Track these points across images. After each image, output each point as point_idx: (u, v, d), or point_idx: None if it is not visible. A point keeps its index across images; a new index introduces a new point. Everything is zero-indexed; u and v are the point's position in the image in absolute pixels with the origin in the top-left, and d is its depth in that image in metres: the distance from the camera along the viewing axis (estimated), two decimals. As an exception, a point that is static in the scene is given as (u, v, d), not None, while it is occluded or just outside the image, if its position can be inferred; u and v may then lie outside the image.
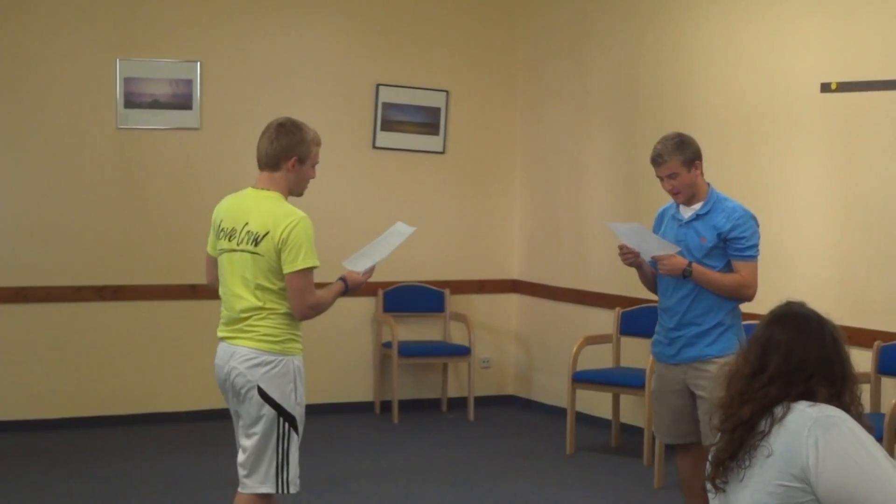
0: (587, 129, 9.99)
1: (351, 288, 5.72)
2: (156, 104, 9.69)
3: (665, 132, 8.98)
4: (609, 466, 8.66)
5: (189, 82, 9.75)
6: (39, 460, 8.63)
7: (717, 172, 8.59)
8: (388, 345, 10.14)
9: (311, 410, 5.84)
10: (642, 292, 9.03)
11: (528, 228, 10.71)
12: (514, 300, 10.88)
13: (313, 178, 5.68)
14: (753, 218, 6.28)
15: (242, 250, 5.51)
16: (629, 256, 6.38)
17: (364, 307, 10.26)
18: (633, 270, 6.54)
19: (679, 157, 6.22)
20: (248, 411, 5.51)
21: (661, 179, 6.30)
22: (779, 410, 3.55)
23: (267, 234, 5.43)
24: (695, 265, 6.18)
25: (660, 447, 8.03)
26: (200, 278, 9.80)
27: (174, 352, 9.83)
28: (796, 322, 3.65)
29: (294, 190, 5.61)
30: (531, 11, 10.61)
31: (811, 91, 7.95)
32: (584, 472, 8.47)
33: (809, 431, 3.47)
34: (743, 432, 3.59)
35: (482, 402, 10.45)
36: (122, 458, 8.70)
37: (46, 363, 9.51)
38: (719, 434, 3.70)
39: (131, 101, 9.62)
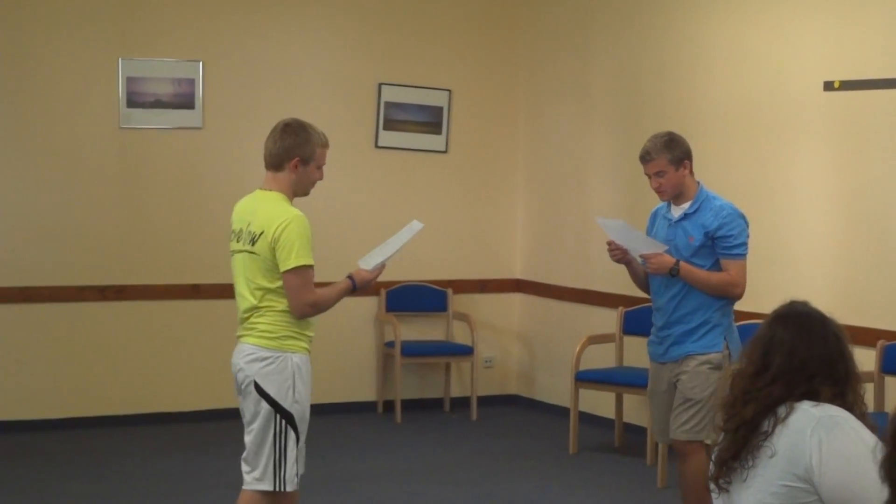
0: (590, 127, 9.98)
1: (359, 286, 5.73)
2: (158, 104, 9.69)
3: (667, 130, 9.03)
4: (612, 466, 8.65)
5: (191, 82, 9.74)
6: (42, 460, 8.63)
7: (720, 171, 8.60)
8: (390, 344, 10.14)
9: (314, 410, 5.83)
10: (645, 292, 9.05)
11: (530, 228, 10.70)
12: (516, 299, 10.87)
13: (320, 179, 5.69)
14: (742, 216, 6.29)
15: (244, 251, 5.59)
16: (617, 253, 6.41)
17: (367, 307, 10.26)
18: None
19: (667, 155, 6.24)
20: (247, 407, 5.57)
21: (649, 177, 6.32)
22: (782, 410, 3.55)
23: (262, 233, 5.49)
24: (682, 264, 6.20)
25: (663, 447, 8.02)
26: (203, 278, 9.92)
27: (177, 352, 9.83)
28: (799, 321, 3.64)
29: (298, 191, 5.64)
30: (534, 10, 10.61)
31: (814, 89, 7.93)
32: (588, 472, 8.46)
33: (813, 431, 3.46)
34: (746, 432, 3.58)
35: (485, 401, 10.44)
36: (124, 457, 8.70)
37: (49, 363, 9.51)
38: (722, 433, 3.70)
39: (134, 101, 9.62)
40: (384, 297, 10.29)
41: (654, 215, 6.55)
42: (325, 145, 5.66)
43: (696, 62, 8.93)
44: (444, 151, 10.57)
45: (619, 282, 9.33)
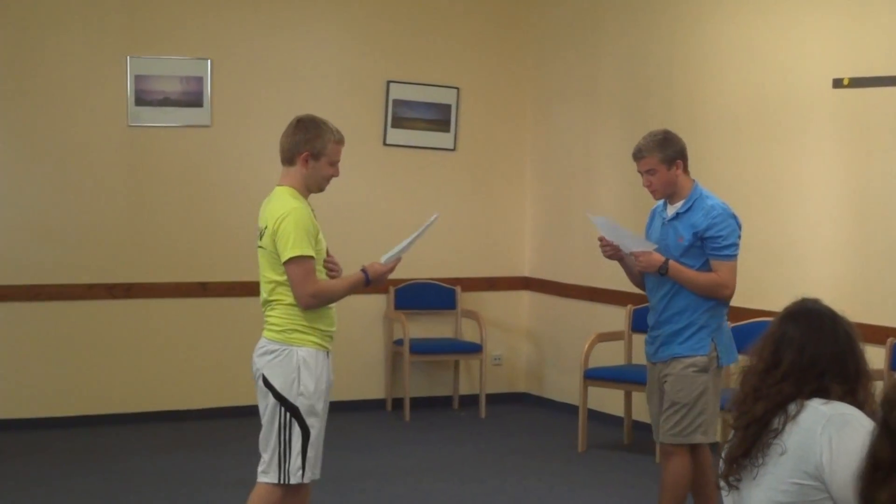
0: (598, 125, 9.97)
1: (372, 278, 5.75)
2: (167, 102, 9.69)
3: (676, 129, 8.98)
4: (621, 464, 8.64)
5: (200, 79, 9.74)
6: (50, 458, 8.63)
7: (728, 168, 8.60)
8: (399, 342, 10.13)
9: (323, 408, 5.84)
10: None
11: (539, 225, 10.69)
12: (525, 297, 10.86)
13: (335, 175, 5.74)
14: (733, 216, 6.22)
15: (259, 246, 5.71)
16: (608, 249, 6.39)
17: (375, 304, 10.26)
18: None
19: (658, 154, 6.20)
20: (259, 400, 5.66)
21: (641, 175, 6.29)
22: (792, 408, 3.55)
23: (266, 227, 5.60)
24: (671, 263, 6.16)
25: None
26: (211, 276, 9.93)
27: (185, 350, 9.83)
28: (809, 318, 3.64)
29: (311, 186, 5.70)
30: (542, 8, 10.60)
31: (823, 87, 7.92)
32: (596, 470, 8.45)
33: (823, 429, 3.46)
34: (756, 430, 3.58)
35: (494, 399, 10.44)
36: (132, 455, 8.70)
37: (58, 361, 9.52)
38: (733, 431, 3.69)
39: (142, 99, 9.62)
40: (393, 294, 10.29)
41: (653, 214, 6.52)
42: (339, 142, 5.70)
43: (704, 59, 8.91)
44: (453, 149, 10.56)
45: (628, 280, 9.35)
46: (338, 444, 8.81)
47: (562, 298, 10.40)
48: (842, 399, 3.55)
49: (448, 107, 10.49)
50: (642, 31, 9.51)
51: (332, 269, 5.73)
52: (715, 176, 8.74)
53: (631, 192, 9.58)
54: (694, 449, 6.30)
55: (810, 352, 3.59)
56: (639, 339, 9.19)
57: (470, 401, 10.49)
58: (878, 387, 3.78)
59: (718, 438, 6.42)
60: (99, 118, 9.56)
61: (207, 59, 9.75)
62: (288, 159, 5.68)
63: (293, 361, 5.55)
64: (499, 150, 10.74)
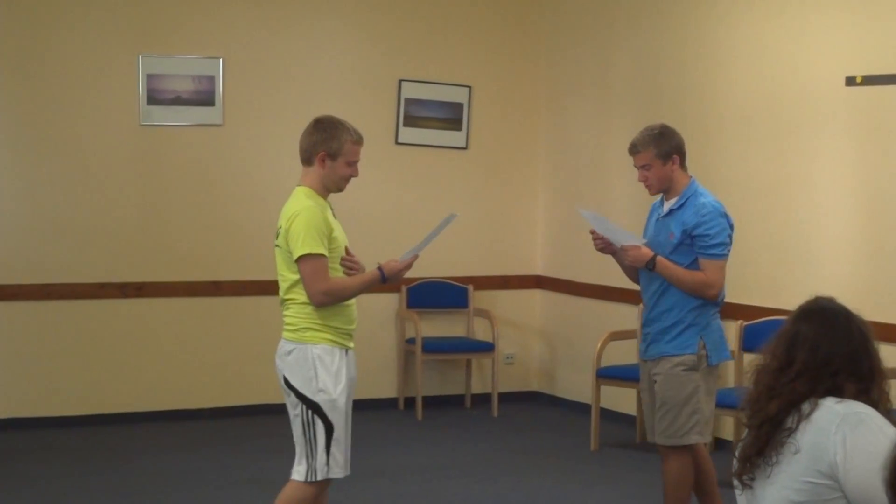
0: (610, 123, 9.96)
1: (388, 276, 5.79)
2: (178, 101, 9.69)
3: (688, 127, 8.98)
4: (633, 463, 8.63)
5: (211, 79, 9.75)
6: (62, 456, 8.64)
7: (741, 166, 8.59)
8: (411, 341, 10.13)
9: (335, 407, 5.84)
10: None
11: (551, 224, 10.68)
12: (537, 296, 10.86)
13: (353, 175, 5.78)
14: (724, 216, 6.17)
15: (275, 245, 5.74)
16: (599, 243, 6.36)
17: (388, 303, 10.26)
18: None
19: (654, 149, 6.18)
20: (285, 399, 5.72)
21: (637, 170, 6.26)
22: (806, 407, 3.53)
23: (281, 227, 5.66)
24: (659, 258, 6.14)
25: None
26: (223, 275, 9.95)
27: (197, 349, 9.84)
28: (824, 317, 3.62)
29: (329, 185, 5.75)
30: (553, 6, 10.59)
31: (836, 84, 7.89)
32: (609, 469, 8.44)
33: (837, 428, 3.45)
34: (770, 428, 3.57)
35: (506, 398, 10.43)
36: (144, 454, 8.71)
37: (69, 360, 9.53)
38: (746, 430, 3.68)
39: (154, 98, 9.62)
40: (405, 293, 10.29)
41: (652, 209, 6.50)
42: (357, 142, 5.74)
43: (716, 57, 8.89)
44: (465, 148, 10.56)
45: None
46: (350, 442, 8.82)
47: (574, 297, 10.39)
48: (856, 398, 3.54)
49: (460, 105, 10.48)
50: (654, 29, 9.50)
51: (351, 267, 5.75)
52: (727, 174, 8.73)
53: (644, 190, 9.55)
54: (691, 448, 6.28)
55: (824, 350, 3.58)
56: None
57: (482, 400, 10.48)
58: (893, 385, 3.77)
59: (710, 438, 6.37)
60: (110, 117, 9.56)
61: (219, 58, 9.76)
62: (306, 159, 5.73)
63: (308, 359, 5.59)
64: (511, 148, 10.74)
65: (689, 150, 9.00)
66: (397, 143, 10.32)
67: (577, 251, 10.35)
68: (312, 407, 5.57)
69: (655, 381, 6.25)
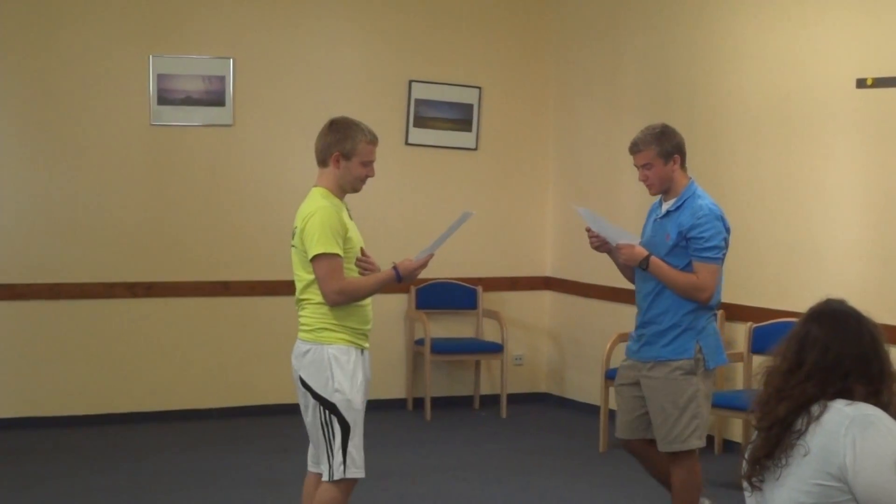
0: (619, 125, 9.94)
1: (403, 275, 5.82)
2: (189, 101, 9.70)
3: (698, 129, 8.99)
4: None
5: (222, 79, 9.76)
6: (71, 456, 8.65)
7: (750, 168, 8.58)
8: (420, 342, 10.13)
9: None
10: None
11: (560, 225, 10.68)
12: (546, 297, 10.85)
13: (369, 175, 5.81)
14: (720, 219, 6.12)
15: (291, 245, 5.77)
16: (595, 240, 6.34)
17: (397, 304, 10.26)
18: None
19: (655, 148, 6.13)
20: (301, 400, 5.73)
21: (638, 169, 6.23)
22: (815, 409, 3.53)
23: (296, 227, 5.68)
24: (652, 258, 6.11)
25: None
26: (233, 275, 9.97)
27: (207, 349, 9.85)
28: (834, 319, 3.62)
29: (345, 186, 5.78)
30: (563, 8, 10.59)
31: (846, 87, 7.88)
32: (617, 470, 8.43)
33: (847, 430, 3.45)
34: (779, 430, 3.57)
35: (515, 399, 10.43)
36: (153, 454, 8.72)
37: (78, 359, 9.55)
38: (755, 432, 3.68)
39: (164, 98, 9.63)
40: (414, 294, 10.29)
41: (651, 210, 6.47)
42: (372, 142, 5.76)
43: (726, 59, 8.89)
44: (475, 148, 10.56)
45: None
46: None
47: (583, 298, 10.38)
48: (865, 400, 3.54)
49: (470, 106, 10.48)
50: (664, 30, 9.49)
51: (366, 267, 5.76)
52: (736, 176, 8.73)
53: (653, 192, 9.57)
54: (694, 452, 6.29)
55: (834, 352, 3.57)
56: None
57: (491, 401, 10.48)
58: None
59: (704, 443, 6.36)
60: (121, 117, 9.58)
61: (230, 59, 9.77)
62: (322, 160, 5.76)
63: (324, 359, 5.61)
64: (521, 149, 10.74)
65: (698, 152, 9.02)
66: (407, 143, 10.33)
67: (587, 252, 10.22)
68: (329, 407, 5.59)
69: (646, 386, 6.20)
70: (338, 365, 5.60)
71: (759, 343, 8.33)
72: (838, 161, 8.01)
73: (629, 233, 6.33)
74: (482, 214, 10.47)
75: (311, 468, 5.86)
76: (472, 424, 9.96)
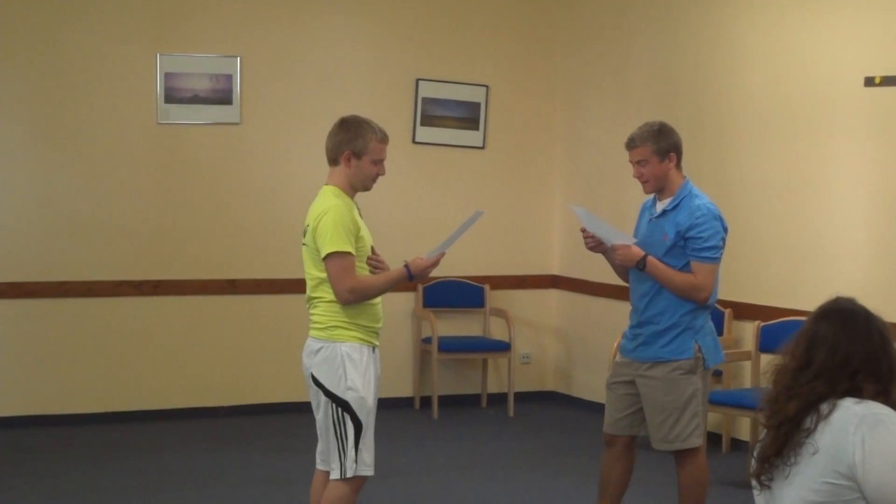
0: (627, 122, 9.85)
1: (415, 273, 5.82)
2: (196, 99, 9.71)
3: (705, 127, 8.99)
4: (650, 462, 8.59)
5: (229, 77, 9.76)
6: (78, 454, 8.66)
7: (758, 167, 8.57)
8: (427, 340, 10.13)
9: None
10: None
11: (568, 223, 10.66)
12: (554, 296, 10.85)
13: (380, 173, 5.82)
14: (718, 218, 6.08)
15: (303, 244, 5.76)
16: (590, 241, 6.29)
17: (404, 302, 10.25)
18: None
19: (652, 145, 6.09)
20: (312, 399, 5.72)
21: (633, 165, 6.20)
22: (825, 407, 3.53)
23: (309, 225, 5.67)
24: (649, 258, 6.07)
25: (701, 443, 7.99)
26: (240, 273, 9.97)
27: (213, 347, 9.85)
28: (843, 317, 3.62)
29: (356, 184, 5.78)
30: (570, 6, 10.58)
31: (854, 85, 7.86)
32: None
33: (856, 429, 3.44)
34: (788, 429, 3.56)
35: (522, 397, 10.43)
36: (161, 452, 8.72)
37: (86, 357, 9.55)
38: (764, 430, 3.67)
39: (172, 97, 9.64)
40: (421, 292, 10.29)
41: (643, 209, 6.42)
42: (382, 140, 5.77)
43: (733, 57, 8.88)
44: (482, 147, 10.56)
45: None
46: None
47: (590, 297, 10.37)
48: (875, 399, 3.53)
49: (477, 105, 10.48)
50: (671, 28, 9.48)
51: (377, 266, 5.76)
52: (743, 174, 8.72)
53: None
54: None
55: (843, 351, 3.57)
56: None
57: (498, 399, 10.48)
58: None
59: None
60: (128, 116, 9.58)
61: (237, 57, 9.77)
62: (332, 159, 5.75)
63: (337, 357, 5.60)
64: (528, 148, 10.73)
65: (705, 150, 9.02)
66: (414, 142, 10.32)
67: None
68: (342, 405, 5.59)
69: (644, 385, 6.17)
70: (351, 363, 5.60)
71: (766, 342, 8.32)
72: (846, 159, 8.00)
73: (625, 233, 6.28)
74: (489, 213, 10.42)
75: (319, 466, 5.84)
76: (480, 423, 9.96)
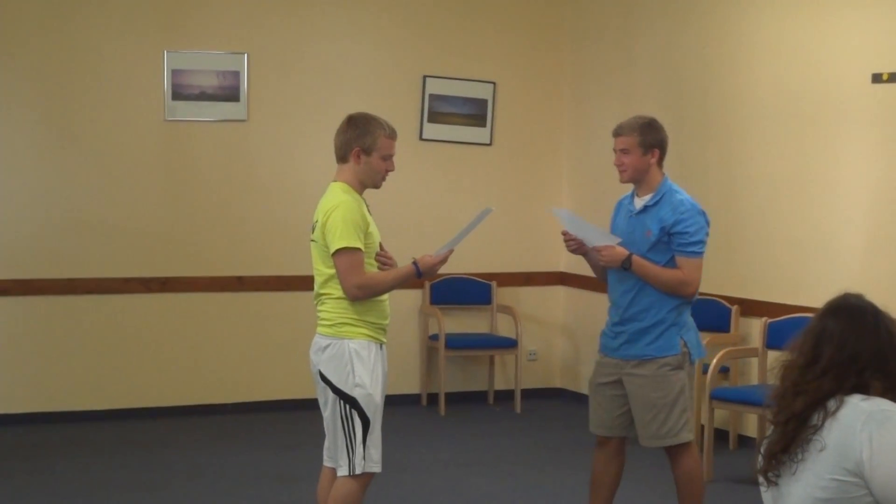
0: (635, 120, 9.93)
1: (423, 270, 5.81)
2: (203, 96, 9.72)
3: (712, 124, 8.99)
4: (656, 459, 8.58)
5: (236, 74, 9.77)
6: (85, 451, 8.67)
7: (764, 163, 8.56)
8: (434, 337, 10.13)
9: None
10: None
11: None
12: (561, 292, 10.85)
13: (390, 169, 5.81)
14: (701, 213, 6.09)
15: (312, 240, 5.75)
16: (572, 244, 6.29)
17: (411, 299, 10.26)
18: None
19: (637, 136, 6.12)
20: (319, 395, 5.71)
21: (615, 152, 6.21)
22: (832, 404, 3.52)
23: (317, 221, 5.66)
24: (635, 257, 6.05)
25: (708, 440, 7.99)
26: (247, 270, 9.98)
27: (221, 344, 9.86)
28: (851, 313, 3.61)
29: (366, 181, 5.77)
30: (577, 2, 10.58)
31: (862, 81, 7.85)
32: (631, 465, 8.36)
33: (863, 426, 3.44)
34: (796, 425, 3.56)
35: (529, 394, 10.43)
36: (169, 449, 8.73)
37: (93, 354, 9.57)
38: (771, 427, 3.67)
39: (179, 93, 9.65)
40: (428, 289, 10.29)
41: (619, 205, 6.42)
42: (391, 136, 5.77)
43: (740, 54, 8.87)
44: (489, 144, 10.56)
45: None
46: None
47: (597, 294, 10.34)
48: (882, 395, 3.53)
49: (484, 101, 10.48)
50: (678, 25, 9.47)
51: (385, 262, 5.77)
52: (750, 170, 8.71)
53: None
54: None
55: (851, 347, 3.56)
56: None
57: (505, 396, 10.48)
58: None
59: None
60: (136, 113, 9.59)
61: (244, 54, 9.78)
62: (341, 157, 5.74)
63: (345, 354, 5.60)
64: (535, 145, 10.73)
65: (712, 146, 9.03)
66: (421, 139, 10.33)
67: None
68: (350, 402, 5.58)
69: (631, 383, 6.15)
70: (359, 359, 5.60)
71: (774, 338, 8.31)
72: (853, 156, 7.99)
73: (609, 233, 6.25)
74: (497, 210, 10.44)
75: (326, 463, 5.84)
76: (487, 419, 9.97)
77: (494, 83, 10.51)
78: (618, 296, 6.22)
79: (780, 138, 8.50)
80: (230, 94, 9.77)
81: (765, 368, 8.41)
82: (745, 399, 8.02)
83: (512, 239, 10.68)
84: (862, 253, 7.95)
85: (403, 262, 5.85)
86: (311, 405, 5.91)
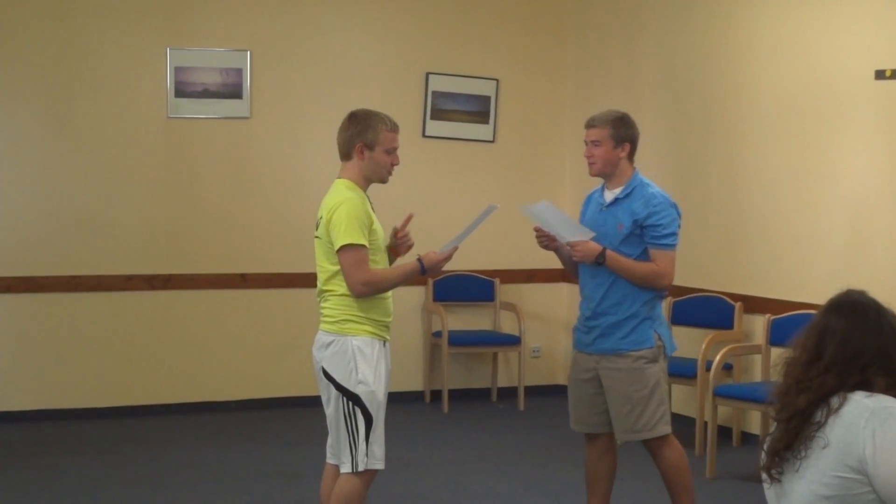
0: (637, 116, 9.75)
1: (428, 267, 5.81)
2: (206, 93, 9.72)
3: (715, 120, 8.98)
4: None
5: (239, 71, 9.77)
6: (88, 448, 8.67)
7: (767, 160, 8.56)
8: (438, 334, 10.13)
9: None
10: (693, 281, 9.00)
11: (578, 218, 10.63)
12: (564, 289, 10.84)
13: (394, 163, 5.81)
14: (673, 206, 6.10)
15: (315, 236, 5.74)
16: (544, 240, 6.28)
17: (414, 296, 10.26)
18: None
19: (610, 129, 6.14)
20: (322, 392, 5.70)
21: (586, 144, 6.22)
22: (835, 401, 3.52)
23: (322, 217, 5.65)
24: (609, 252, 6.04)
25: (712, 437, 7.98)
26: (251, 267, 9.98)
27: (224, 341, 9.87)
28: (854, 310, 3.61)
29: (371, 177, 5.77)
30: (581, 0, 10.59)
31: (865, 78, 7.84)
32: (635, 462, 8.40)
33: (867, 422, 3.44)
34: (799, 422, 3.56)
35: (532, 391, 10.43)
36: (172, 446, 8.74)
37: (97, 351, 9.57)
38: (775, 424, 3.67)
39: (182, 91, 9.65)
40: (431, 286, 10.30)
41: (588, 199, 6.42)
42: (393, 129, 5.76)
43: (743, 50, 8.86)
44: (492, 141, 10.56)
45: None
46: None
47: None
48: (886, 392, 3.53)
49: (487, 98, 10.48)
50: (681, 22, 9.47)
51: (402, 242, 5.83)
52: (753, 168, 8.70)
53: (668, 184, 9.54)
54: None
55: (854, 344, 3.56)
56: (677, 332, 9.12)
57: (508, 393, 10.48)
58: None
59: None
60: (139, 110, 9.60)
61: (247, 51, 9.78)
62: (345, 154, 5.74)
63: (348, 351, 5.59)
64: (538, 142, 10.73)
65: (715, 143, 9.03)
66: (424, 136, 10.33)
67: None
68: (352, 399, 5.57)
69: (607, 377, 6.14)
70: (362, 356, 5.59)
71: (777, 335, 8.30)
72: (856, 153, 7.98)
73: (583, 227, 6.22)
74: (500, 207, 10.45)
75: (329, 460, 5.84)
76: (490, 417, 9.97)
77: (497, 80, 10.51)
78: (590, 290, 6.20)
79: (783, 134, 8.49)
80: (233, 91, 9.77)
81: (768, 365, 8.40)
82: (748, 396, 8.02)
83: (515, 236, 10.64)
84: (865, 249, 7.94)
85: (408, 258, 5.85)
86: (315, 402, 5.90)
